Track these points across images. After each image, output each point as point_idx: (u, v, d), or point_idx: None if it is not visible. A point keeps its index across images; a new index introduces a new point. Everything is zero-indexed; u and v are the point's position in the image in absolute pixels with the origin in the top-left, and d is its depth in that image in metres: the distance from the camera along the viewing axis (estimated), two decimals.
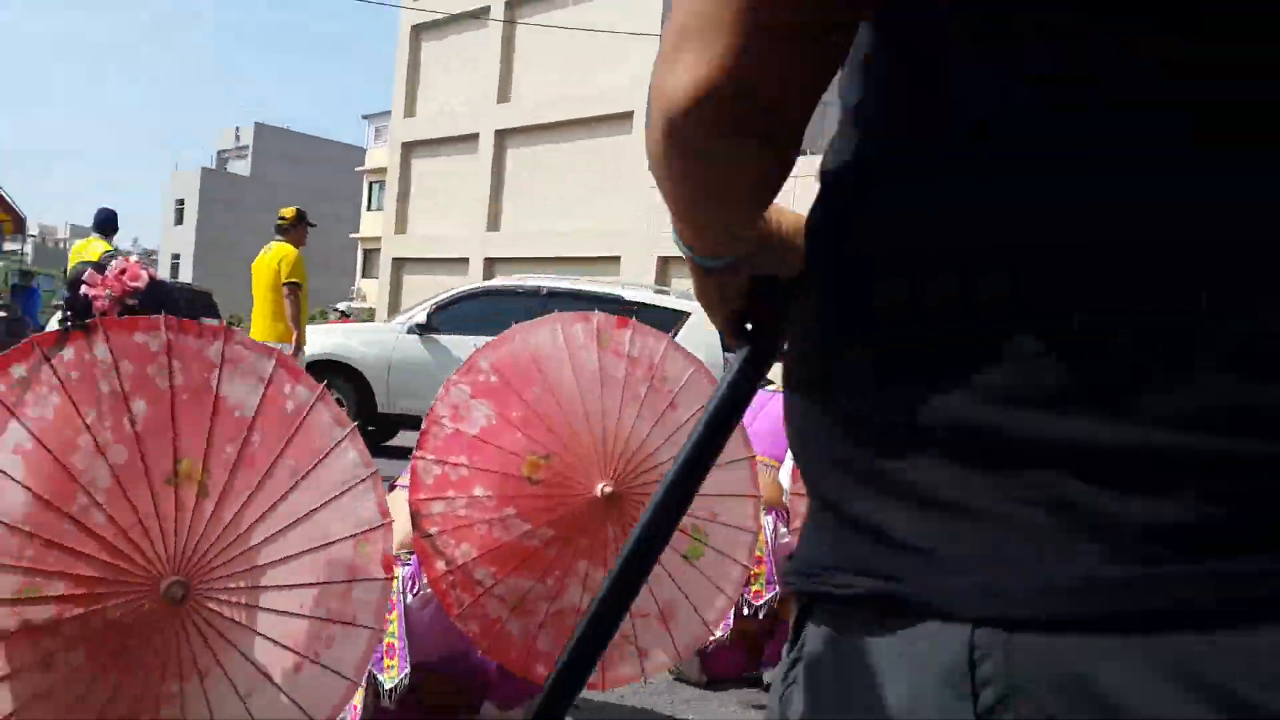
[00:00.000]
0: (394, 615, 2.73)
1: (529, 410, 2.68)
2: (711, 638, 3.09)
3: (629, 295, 9.73)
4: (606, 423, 2.74)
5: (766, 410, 3.53)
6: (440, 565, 2.60)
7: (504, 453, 2.64)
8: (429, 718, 3.11)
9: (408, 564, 2.84)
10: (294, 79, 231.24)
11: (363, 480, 2.23)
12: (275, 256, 7.61)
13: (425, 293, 27.40)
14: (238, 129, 61.81)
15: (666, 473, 0.84)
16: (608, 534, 2.75)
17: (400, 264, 30.80)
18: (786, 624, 3.65)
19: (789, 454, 3.50)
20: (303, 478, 2.13)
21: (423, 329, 9.42)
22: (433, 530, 2.60)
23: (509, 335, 2.75)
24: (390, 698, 2.76)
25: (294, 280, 7.58)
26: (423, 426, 2.66)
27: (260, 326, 7.52)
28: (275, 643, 2.14)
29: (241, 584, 2.10)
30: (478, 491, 2.63)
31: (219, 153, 63.06)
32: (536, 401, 2.70)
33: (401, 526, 2.90)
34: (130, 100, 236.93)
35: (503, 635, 2.66)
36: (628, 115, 24.29)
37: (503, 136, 27.77)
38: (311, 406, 2.15)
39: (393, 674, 2.74)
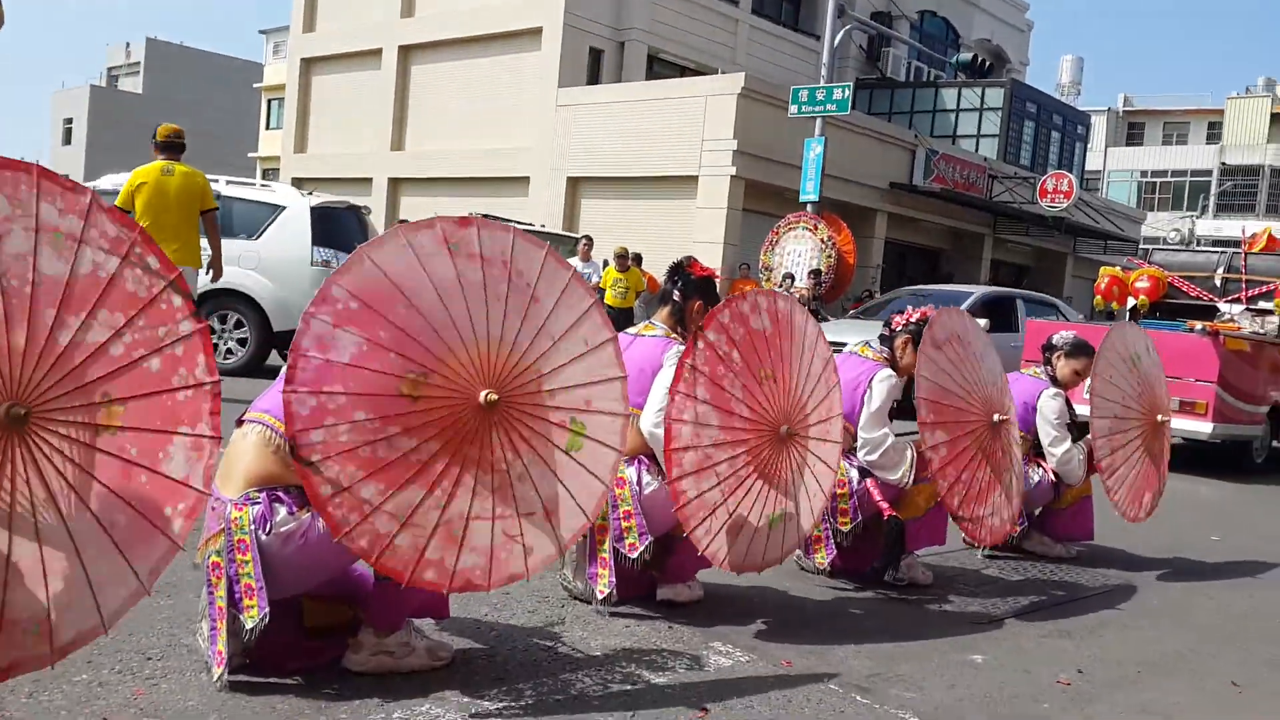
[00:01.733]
0: (249, 556, 2.68)
1: (396, 330, 2.68)
2: (589, 525, 3.15)
3: (227, 191, 9.65)
4: (476, 330, 2.79)
5: (628, 355, 3.44)
6: (326, 490, 2.58)
7: (380, 375, 2.65)
8: (308, 642, 3.00)
9: (257, 502, 2.75)
10: None
11: (199, 385, 2.26)
12: (198, 182, 7.26)
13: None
14: (128, 45, 58.99)
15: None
16: (493, 439, 2.81)
17: (299, 184, 29.82)
18: (681, 546, 3.64)
19: (651, 396, 3.52)
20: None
21: None
22: (315, 458, 2.57)
23: (356, 257, 2.71)
24: (251, 637, 2.69)
25: (215, 206, 7.32)
26: (288, 361, 2.61)
27: (189, 253, 7.14)
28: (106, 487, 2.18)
29: (82, 417, 2.10)
30: (358, 416, 2.62)
31: (109, 70, 60.18)
32: (403, 320, 2.69)
33: (249, 466, 2.76)
34: (14, 14, 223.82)
35: (392, 549, 2.66)
36: (536, 31, 23.68)
37: (407, 52, 26.85)
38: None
39: (253, 614, 2.67)
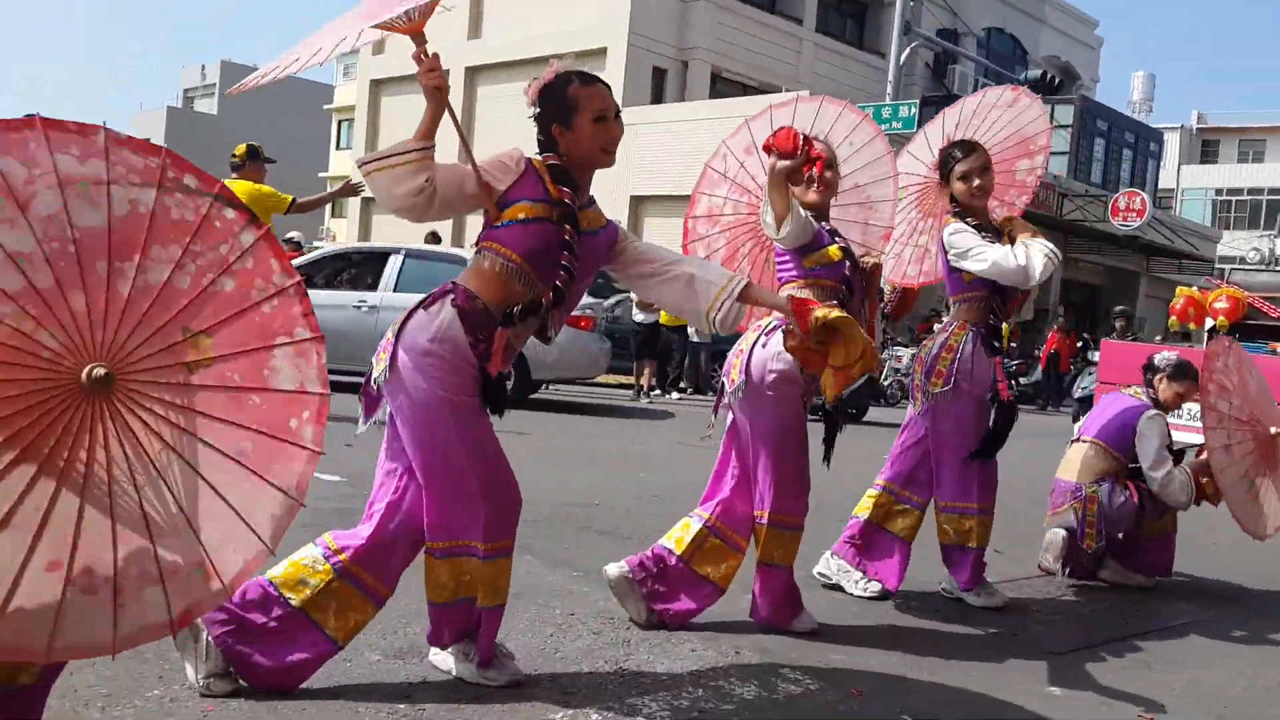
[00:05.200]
0: None
1: None
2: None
3: None
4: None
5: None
6: None
7: None
8: None
9: None
10: (261, 15, 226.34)
11: (281, 290, 2.12)
12: (241, 192, 7.38)
13: (393, 234, 26.97)
14: (204, 67, 60.65)
15: None
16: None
17: (369, 204, 30.31)
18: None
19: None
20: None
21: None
22: None
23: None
24: None
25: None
26: None
27: None
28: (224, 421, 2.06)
29: (169, 360, 1.99)
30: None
31: (185, 91, 61.87)
32: None
33: None
34: (96, 36, 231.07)
35: None
36: (601, 51, 23.85)
37: (473, 74, 27.24)
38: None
39: None
